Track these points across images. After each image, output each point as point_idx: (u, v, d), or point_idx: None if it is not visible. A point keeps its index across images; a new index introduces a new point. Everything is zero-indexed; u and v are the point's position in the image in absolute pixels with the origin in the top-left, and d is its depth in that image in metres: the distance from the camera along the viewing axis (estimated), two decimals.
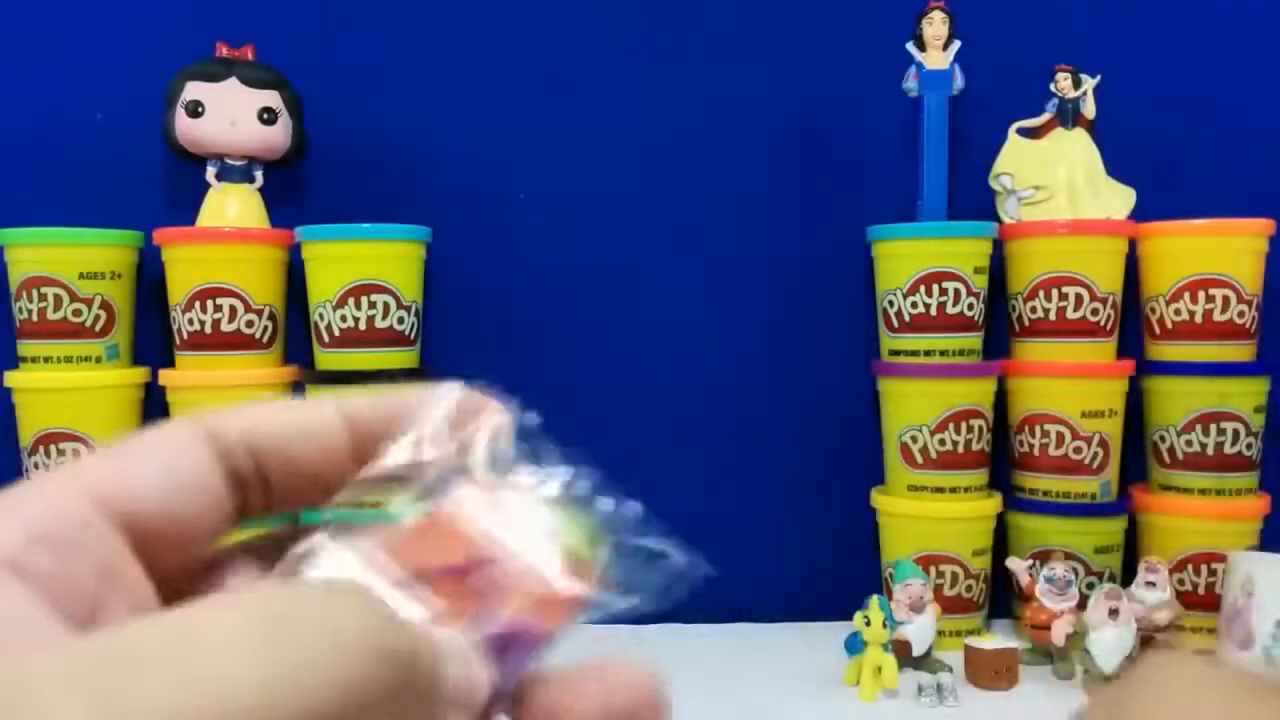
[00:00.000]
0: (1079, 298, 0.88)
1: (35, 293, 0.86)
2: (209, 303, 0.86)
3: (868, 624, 0.78)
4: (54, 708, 0.15)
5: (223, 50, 0.89)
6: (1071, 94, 0.92)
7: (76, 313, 0.86)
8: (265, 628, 0.16)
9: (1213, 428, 0.87)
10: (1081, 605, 0.82)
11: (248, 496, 0.22)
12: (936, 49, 0.90)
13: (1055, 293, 0.88)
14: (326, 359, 0.88)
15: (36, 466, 0.89)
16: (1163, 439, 0.90)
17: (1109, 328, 0.89)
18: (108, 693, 0.15)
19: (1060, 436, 0.89)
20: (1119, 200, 0.91)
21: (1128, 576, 0.87)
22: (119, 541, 0.20)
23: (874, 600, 0.79)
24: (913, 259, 0.88)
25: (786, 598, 0.95)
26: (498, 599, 0.19)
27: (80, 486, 0.20)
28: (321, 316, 0.87)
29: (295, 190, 0.95)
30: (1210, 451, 0.88)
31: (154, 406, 0.91)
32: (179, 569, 0.22)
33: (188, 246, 0.87)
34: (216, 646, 0.15)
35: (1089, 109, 0.91)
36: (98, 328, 0.87)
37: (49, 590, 0.18)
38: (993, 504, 0.90)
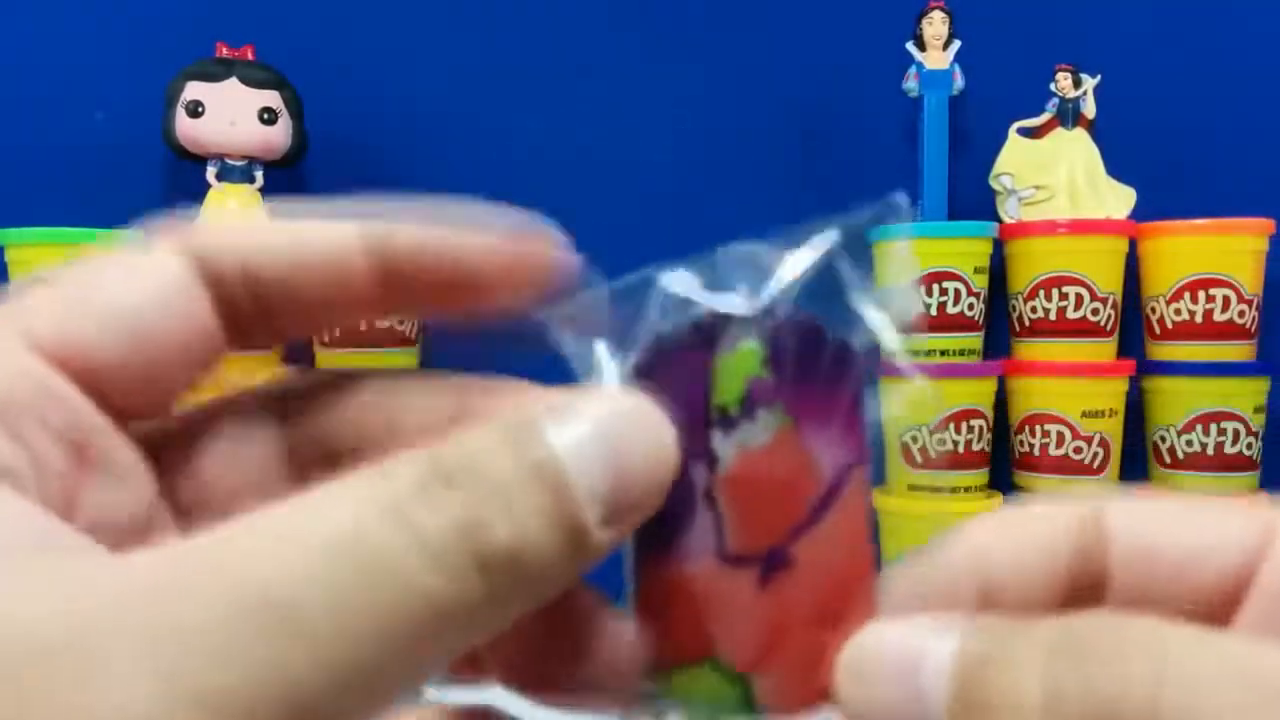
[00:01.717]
0: (1079, 298, 0.88)
1: None
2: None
3: None
4: (111, 668, 0.13)
5: (223, 50, 0.89)
6: (1071, 94, 0.92)
7: None
8: (325, 558, 0.14)
9: (1213, 428, 0.87)
10: None
11: (243, 330, 0.19)
12: (936, 49, 0.90)
13: (1055, 293, 0.88)
14: (327, 359, 0.88)
15: None
16: (1163, 439, 0.90)
17: (1109, 328, 0.89)
18: (276, 593, 0.14)
19: (1061, 436, 0.89)
20: (1119, 200, 0.91)
21: None
22: (82, 401, 0.17)
23: None
24: (901, 259, 0.88)
25: None
26: None
27: (23, 334, 0.16)
28: None
29: (295, 190, 0.95)
30: (1210, 451, 0.88)
31: None
32: (166, 423, 0.19)
33: None
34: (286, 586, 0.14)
35: (1089, 109, 0.91)
36: None
37: (12, 474, 0.15)
38: (993, 504, 0.90)
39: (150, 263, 0.18)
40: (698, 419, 0.18)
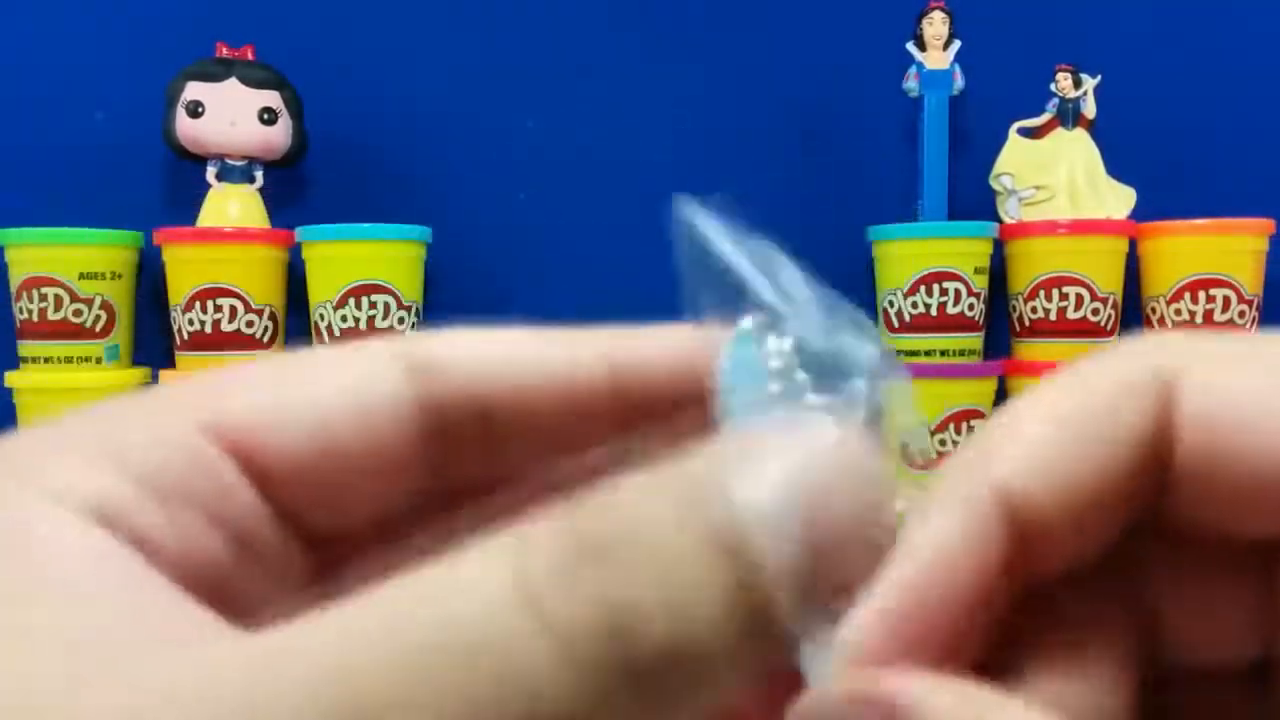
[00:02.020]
0: (1079, 298, 0.88)
1: (35, 293, 0.86)
2: (209, 303, 0.86)
3: None
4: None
5: (223, 50, 0.89)
6: (1072, 94, 0.91)
7: (77, 313, 0.86)
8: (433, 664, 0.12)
9: None
10: None
11: (457, 455, 0.16)
12: (936, 49, 0.90)
13: (1055, 293, 0.88)
14: None
15: None
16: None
17: (1109, 328, 0.89)
18: (358, 699, 0.11)
19: None
20: (1119, 200, 0.91)
21: None
22: (249, 493, 0.15)
23: None
24: (913, 259, 0.88)
25: None
26: None
27: (207, 417, 0.15)
28: (322, 317, 0.87)
29: (295, 190, 0.95)
30: None
31: None
32: (337, 537, 0.16)
33: (188, 247, 0.87)
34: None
35: (1089, 109, 0.91)
36: (98, 328, 0.87)
37: (164, 556, 0.14)
38: None
39: (363, 369, 0.16)
40: None
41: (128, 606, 0.13)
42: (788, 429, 0.14)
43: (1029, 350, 0.91)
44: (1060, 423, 0.15)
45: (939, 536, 0.15)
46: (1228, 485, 0.15)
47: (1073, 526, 0.15)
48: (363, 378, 0.16)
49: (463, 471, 0.17)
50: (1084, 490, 0.15)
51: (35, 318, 0.86)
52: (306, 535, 0.16)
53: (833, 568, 0.13)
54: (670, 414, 0.17)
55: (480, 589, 0.12)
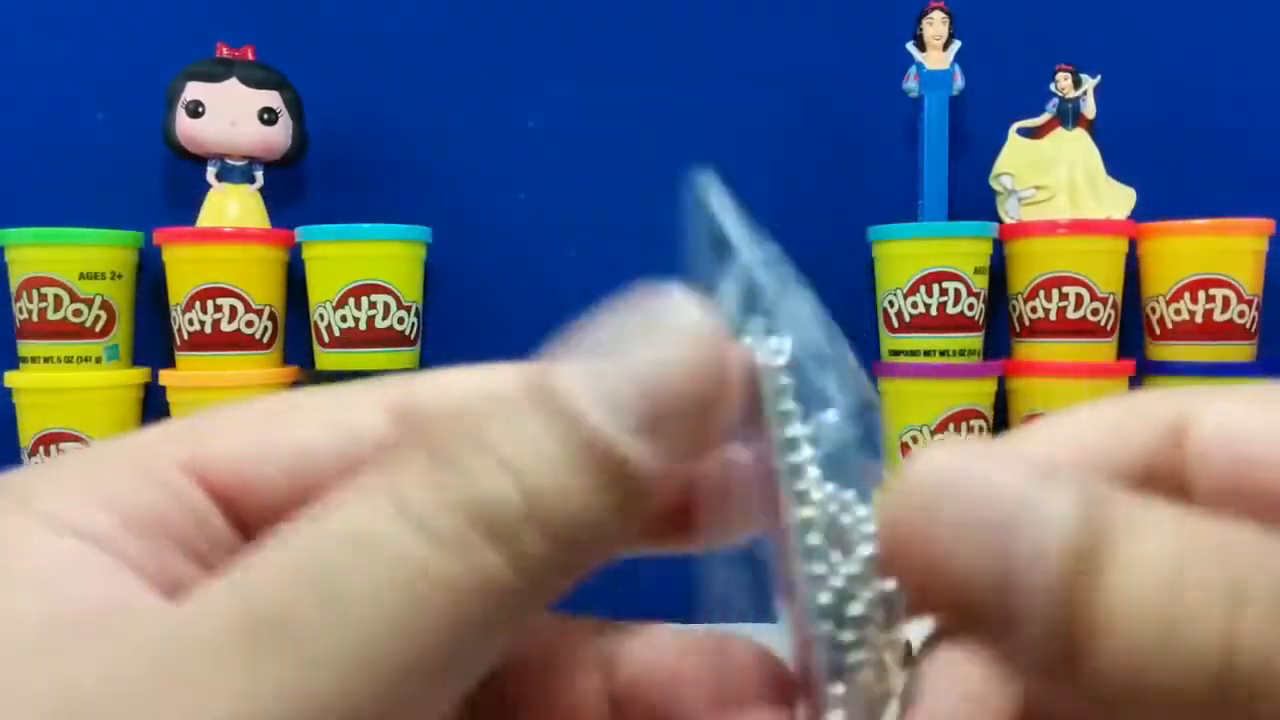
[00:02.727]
0: (1079, 298, 0.88)
1: (35, 293, 0.86)
2: (209, 303, 0.86)
3: None
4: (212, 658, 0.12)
5: (223, 50, 0.89)
6: (1071, 94, 0.91)
7: (77, 313, 0.86)
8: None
9: None
10: None
11: None
12: (936, 49, 0.90)
13: (1055, 293, 0.88)
14: (326, 359, 0.88)
15: None
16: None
17: (1109, 328, 0.89)
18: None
19: None
20: (1119, 200, 0.91)
21: None
22: (231, 534, 0.16)
23: None
24: (913, 259, 0.88)
25: None
26: None
27: (190, 456, 0.16)
28: (321, 317, 0.87)
29: (295, 190, 0.95)
30: None
31: (154, 407, 0.91)
32: None
33: (188, 246, 0.87)
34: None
35: (1089, 109, 0.91)
36: (98, 328, 0.87)
37: (147, 575, 0.15)
38: None
39: (348, 415, 0.17)
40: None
41: (103, 596, 0.14)
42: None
43: (1029, 350, 0.91)
44: (1072, 436, 0.16)
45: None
46: (1245, 509, 0.15)
47: None
48: (346, 424, 0.16)
49: None
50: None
51: (35, 318, 0.86)
52: None
53: (663, 391, 0.14)
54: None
55: (362, 514, 0.13)
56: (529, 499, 0.13)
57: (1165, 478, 0.15)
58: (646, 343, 0.15)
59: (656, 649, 0.17)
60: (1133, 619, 0.12)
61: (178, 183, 0.93)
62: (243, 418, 0.17)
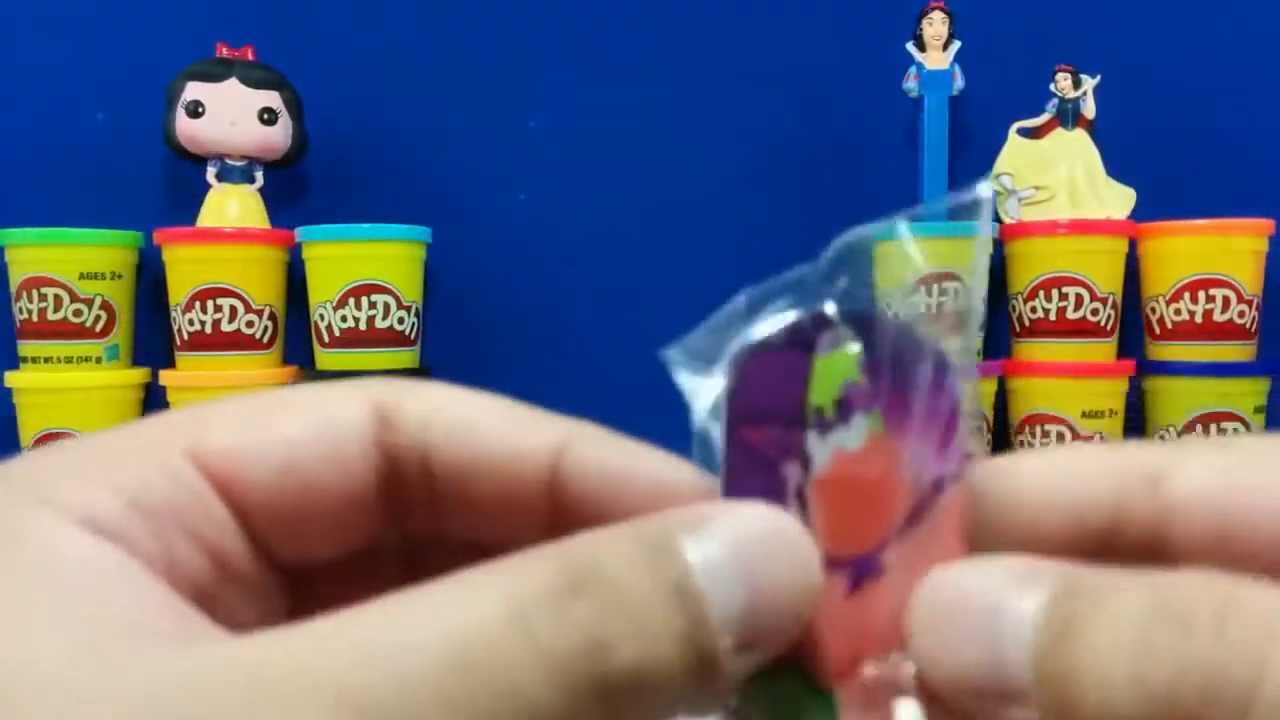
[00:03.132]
0: (1079, 298, 0.88)
1: (35, 293, 0.86)
2: (209, 303, 0.86)
3: None
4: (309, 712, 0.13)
5: (223, 50, 0.89)
6: (1071, 94, 0.91)
7: (77, 313, 0.86)
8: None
9: (1213, 428, 0.87)
10: None
11: (404, 507, 0.18)
12: (936, 49, 0.90)
13: (1055, 293, 0.88)
14: (326, 359, 0.88)
15: None
16: (1163, 439, 0.90)
17: (1109, 328, 0.89)
18: (364, 696, 0.13)
19: (1061, 437, 0.89)
20: (1119, 200, 0.91)
21: None
22: (229, 519, 0.17)
23: None
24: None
25: None
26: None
27: (193, 446, 0.16)
28: (322, 317, 0.87)
29: (295, 190, 0.95)
30: None
31: (154, 407, 0.91)
32: (302, 565, 0.18)
33: (188, 247, 0.87)
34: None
35: (1089, 109, 0.91)
36: (98, 328, 0.87)
37: (154, 565, 0.15)
38: None
39: (334, 411, 0.17)
40: (794, 419, 0.18)
41: (124, 601, 0.14)
42: (741, 509, 0.16)
43: (1029, 350, 0.91)
44: (1048, 475, 0.18)
45: None
46: (1223, 559, 0.16)
47: (1039, 544, 0.17)
48: (332, 419, 0.17)
49: (414, 526, 0.18)
50: (1049, 518, 0.18)
51: (35, 318, 0.86)
52: (280, 567, 0.17)
53: (763, 621, 0.16)
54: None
55: (476, 609, 0.14)
56: (640, 672, 0.15)
57: (1137, 521, 0.17)
58: (773, 561, 0.16)
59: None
60: (1106, 676, 0.14)
61: (178, 183, 0.93)
62: (239, 411, 0.17)
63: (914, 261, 0.20)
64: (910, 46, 0.91)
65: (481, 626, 0.14)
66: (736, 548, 0.16)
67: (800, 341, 0.18)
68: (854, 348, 0.19)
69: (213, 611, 0.16)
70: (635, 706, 0.15)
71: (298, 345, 0.92)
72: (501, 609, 0.14)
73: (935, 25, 0.90)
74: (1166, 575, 0.15)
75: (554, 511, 0.18)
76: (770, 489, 0.18)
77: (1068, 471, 0.18)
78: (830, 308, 0.19)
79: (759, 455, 0.18)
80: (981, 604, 0.16)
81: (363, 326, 0.87)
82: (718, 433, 0.18)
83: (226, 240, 0.87)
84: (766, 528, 0.16)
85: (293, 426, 0.17)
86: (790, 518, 0.17)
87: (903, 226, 0.20)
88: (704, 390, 0.19)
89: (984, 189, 0.20)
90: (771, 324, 0.18)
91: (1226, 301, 0.88)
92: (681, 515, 0.16)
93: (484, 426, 0.18)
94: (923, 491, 0.18)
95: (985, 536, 0.18)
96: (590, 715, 0.14)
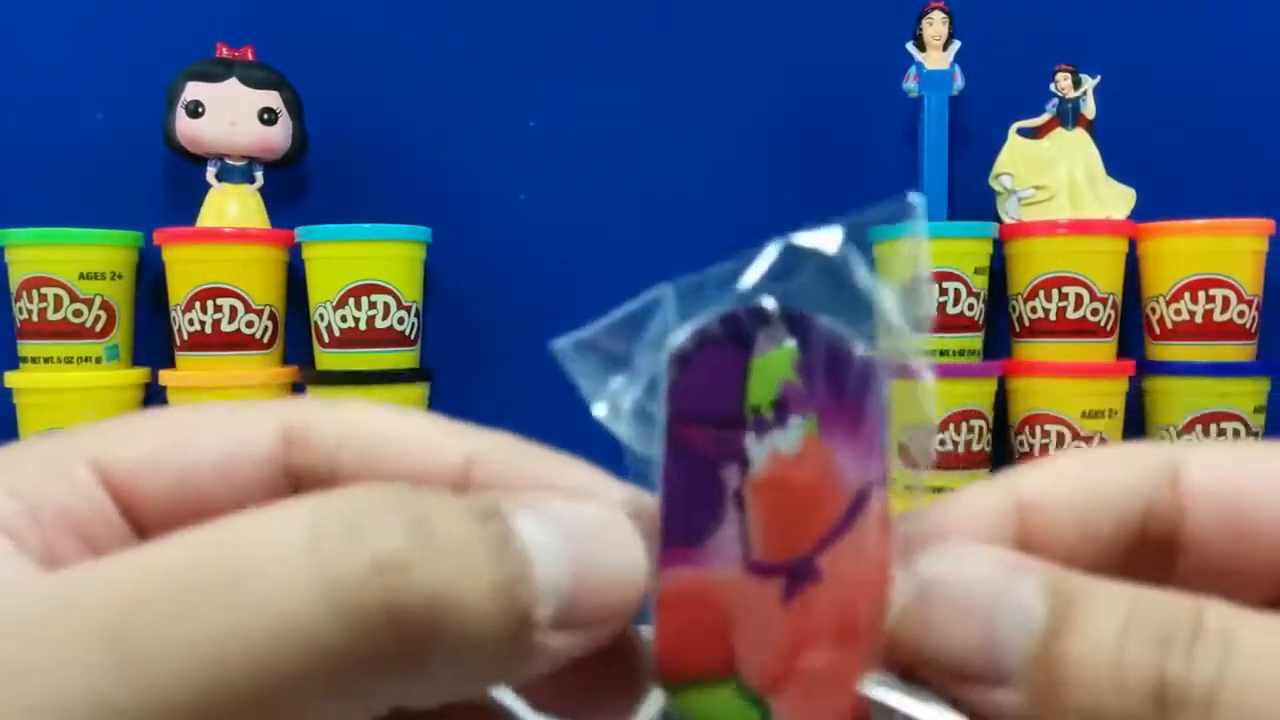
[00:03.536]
0: (1079, 298, 0.88)
1: (35, 293, 0.86)
2: (209, 303, 0.86)
3: None
4: (71, 644, 0.13)
5: (223, 50, 0.89)
6: (1071, 94, 0.91)
7: (77, 313, 0.86)
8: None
9: (1213, 428, 0.87)
10: None
11: None
12: (936, 49, 0.90)
13: (1055, 293, 0.88)
14: (326, 359, 0.88)
15: None
16: (1163, 439, 0.90)
17: (1109, 328, 0.89)
18: (129, 633, 0.13)
19: (1061, 437, 0.89)
20: (1119, 200, 0.91)
21: None
22: (130, 533, 0.17)
23: None
24: (913, 259, 0.88)
25: None
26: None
27: (96, 458, 0.17)
28: (321, 317, 0.87)
29: (295, 190, 0.95)
30: None
31: (155, 406, 0.91)
32: None
33: (188, 247, 0.87)
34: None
35: (1089, 109, 0.91)
36: (98, 328, 0.87)
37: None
38: None
39: (241, 431, 0.17)
40: (733, 419, 0.18)
41: None
42: (582, 504, 0.17)
43: (1029, 350, 0.91)
44: (1072, 470, 0.19)
45: (969, 508, 0.19)
46: (1234, 549, 0.18)
47: (1075, 539, 0.18)
48: (238, 440, 0.17)
49: None
50: (1088, 514, 0.18)
51: (35, 318, 0.86)
52: None
53: (586, 606, 0.16)
54: None
55: (267, 532, 0.14)
56: (438, 599, 0.14)
57: (1161, 518, 0.18)
58: (605, 552, 0.16)
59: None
60: (1092, 666, 0.15)
61: (178, 183, 0.93)
62: (145, 425, 0.17)
63: (861, 275, 0.20)
64: (910, 46, 0.91)
65: (269, 552, 0.14)
66: (569, 530, 0.16)
67: (739, 338, 0.18)
68: (790, 345, 0.18)
69: None
70: (438, 651, 0.14)
71: (298, 345, 0.92)
72: (296, 532, 0.14)
73: (935, 25, 0.90)
74: (1151, 590, 0.16)
75: None
76: (709, 492, 0.17)
77: (1100, 470, 0.18)
78: (770, 303, 0.18)
79: (698, 456, 0.18)
80: (979, 590, 0.16)
81: (363, 326, 0.87)
82: (623, 432, 0.18)
83: (226, 240, 0.87)
84: (601, 520, 0.16)
85: (196, 445, 0.17)
86: (624, 517, 0.17)
87: (839, 233, 0.21)
88: (609, 390, 0.18)
89: (915, 196, 0.21)
90: (704, 320, 0.18)
91: (1226, 301, 0.88)
92: (522, 495, 0.16)
93: (396, 443, 0.18)
94: (855, 493, 0.18)
95: (1019, 537, 0.18)
96: (386, 655, 0.14)
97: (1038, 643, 0.16)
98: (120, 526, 0.17)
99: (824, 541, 0.18)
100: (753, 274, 0.19)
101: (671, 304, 0.19)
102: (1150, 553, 0.18)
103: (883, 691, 0.17)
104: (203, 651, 0.13)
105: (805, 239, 0.20)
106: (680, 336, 0.18)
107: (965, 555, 0.17)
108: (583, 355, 0.19)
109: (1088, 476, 0.18)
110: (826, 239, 0.21)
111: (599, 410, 0.19)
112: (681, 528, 0.18)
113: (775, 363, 0.18)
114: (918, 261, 0.20)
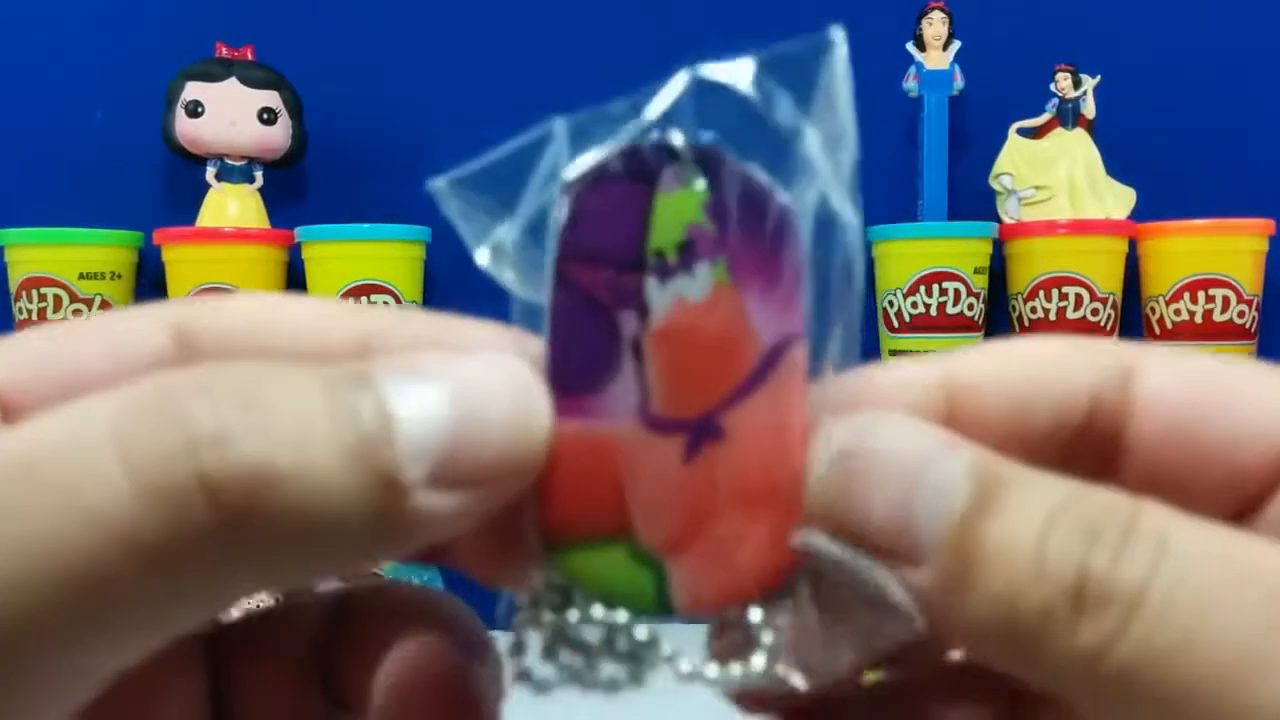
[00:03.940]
0: (1079, 298, 0.88)
1: (35, 293, 0.86)
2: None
3: None
4: None
5: (223, 50, 0.89)
6: (1071, 94, 0.91)
7: (76, 313, 0.86)
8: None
9: None
10: None
11: None
12: (936, 49, 0.90)
13: (1055, 293, 0.88)
14: None
15: None
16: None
17: (1109, 328, 0.89)
18: None
19: None
20: (1119, 200, 0.91)
21: None
22: None
23: None
24: (913, 259, 0.88)
25: None
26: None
27: None
28: None
29: (295, 190, 0.95)
30: None
31: None
32: None
33: (188, 247, 0.87)
34: None
35: (1089, 109, 0.91)
36: None
37: None
38: None
39: (128, 337, 0.17)
40: (632, 261, 0.16)
41: None
42: (471, 356, 0.15)
43: None
44: (1013, 352, 0.18)
45: (898, 379, 0.18)
46: (1181, 461, 0.17)
47: (1009, 423, 0.17)
48: (125, 344, 0.16)
49: None
50: (1026, 398, 0.17)
51: (35, 318, 0.86)
52: None
53: (470, 457, 0.14)
54: None
55: (75, 420, 0.13)
56: (265, 468, 0.13)
57: (1107, 418, 0.17)
58: (494, 400, 0.15)
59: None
60: (1011, 551, 0.14)
61: (178, 183, 0.93)
62: (30, 339, 0.17)
63: (781, 113, 0.18)
64: (910, 46, 0.91)
65: (72, 439, 0.13)
66: (452, 385, 0.14)
67: (642, 173, 0.17)
68: (700, 185, 0.17)
69: None
70: (274, 526, 0.13)
71: None
72: (104, 415, 0.13)
73: (935, 25, 0.90)
74: (1083, 485, 0.15)
75: None
76: (602, 338, 0.16)
77: (1044, 356, 0.18)
78: (678, 138, 0.17)
79: (591, 300, 0.16)
80: (902, 463, 0.15)
81: None
82: (508, 279, 0.17)
83: (226, 240, 0.87)
84: (494, 370, 0.15)
85: (83, 355, 0.16)
86: (525, 365, 0.16)
87: (751, 64, 0.19)
88: (494, 235, 0.17)
89: (835, 30, 0.19)
90: (605, 151, 0.17)
91: (1226, 301, 0.88)
92: (395, 358, 0.15)
93: (287, 327, 0.17)
94: (767, 348, 0.16)
95: (947, 417, 0.17)
96: (212, 537, 0.13)
97: (956, 522, 0.15)
98: None
99: (731, 398, 0.16)
100: (658, 106, 0.18)
101: (564, 138, 0.17)
102: (1090, 456, 0.17)
103: (818, 544, 0.16)
104: (4, 551, 0.12)
105: (715, 71, 0.18)
106: (575, 169, 0.17)
107: (890, 425, 0.16)
108: (464, 195, 0.18)
109: (1030, 359, 0.18)
110: (739, 72, 0.18)
111: (481, 256, 0.17)
112: (571, 376, 0.16)
113: (682, 203, 0.17)
114: (838, 101, 0.18)
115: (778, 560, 0.16)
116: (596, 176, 0.17)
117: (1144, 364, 0.17)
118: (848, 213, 0.18)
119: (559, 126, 0.17)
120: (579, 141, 0.17)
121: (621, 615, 0.16)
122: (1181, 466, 0.17)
